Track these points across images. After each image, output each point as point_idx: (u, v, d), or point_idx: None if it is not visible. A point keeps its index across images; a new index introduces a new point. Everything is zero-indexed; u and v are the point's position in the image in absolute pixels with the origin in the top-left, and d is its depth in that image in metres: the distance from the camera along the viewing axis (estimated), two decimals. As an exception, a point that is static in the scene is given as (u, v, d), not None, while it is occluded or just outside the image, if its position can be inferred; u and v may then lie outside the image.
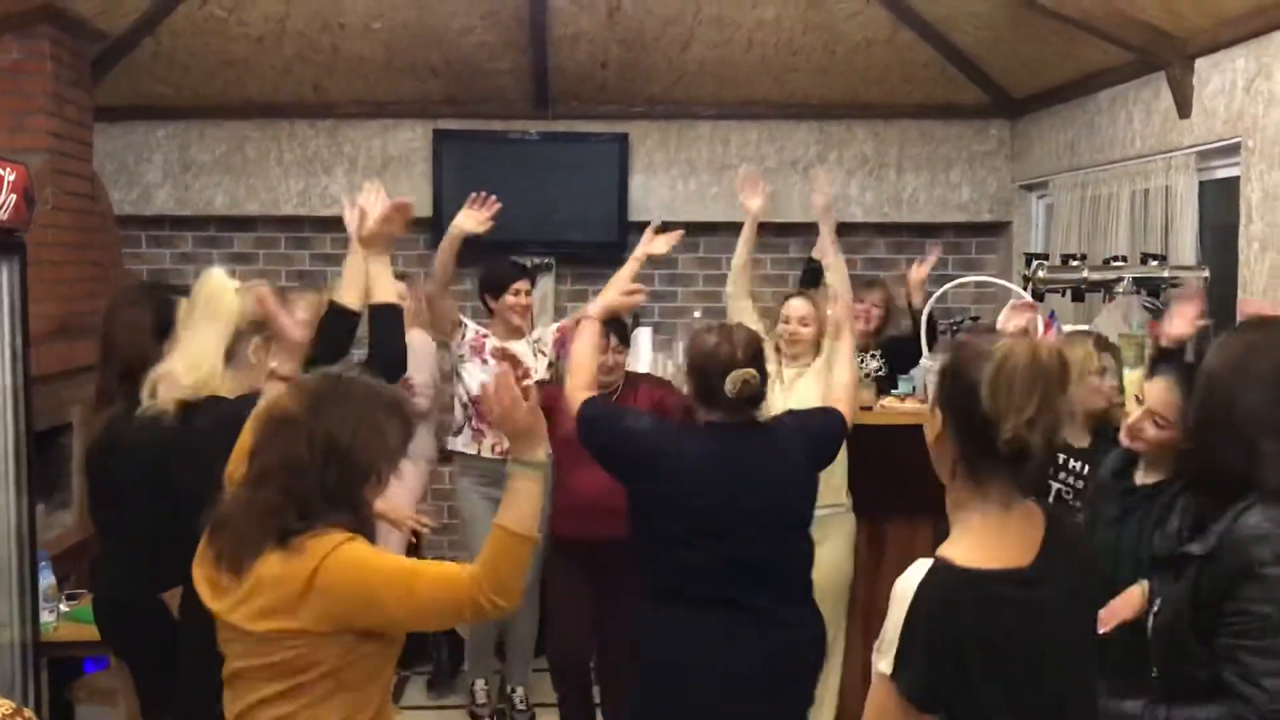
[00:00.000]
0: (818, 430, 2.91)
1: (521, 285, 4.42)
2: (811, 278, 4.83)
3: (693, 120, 5.89)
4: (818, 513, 2.90)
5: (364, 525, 2.03)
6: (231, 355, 2.62)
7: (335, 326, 2.75)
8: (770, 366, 3.44)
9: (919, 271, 4.76)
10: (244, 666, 1.98)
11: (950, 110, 5.86)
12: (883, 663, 1.62)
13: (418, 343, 4.40)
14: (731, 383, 2.64)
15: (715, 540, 2.66)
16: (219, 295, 2.61)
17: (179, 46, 5.29)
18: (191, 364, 2.58)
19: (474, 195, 4.13)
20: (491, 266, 4.59)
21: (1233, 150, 3.96)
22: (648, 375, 4.35)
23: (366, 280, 2.83)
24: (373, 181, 2.99)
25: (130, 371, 2.97)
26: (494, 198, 4.11)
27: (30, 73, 4.66)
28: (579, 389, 2.90)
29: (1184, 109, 4.20)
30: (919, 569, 1.62)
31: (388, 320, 2.80)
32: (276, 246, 6.13)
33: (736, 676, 2.65)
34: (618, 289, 3.11)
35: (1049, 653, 1.64)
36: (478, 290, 4.60)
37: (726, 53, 5.40)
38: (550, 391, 3.91)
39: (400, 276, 4.84)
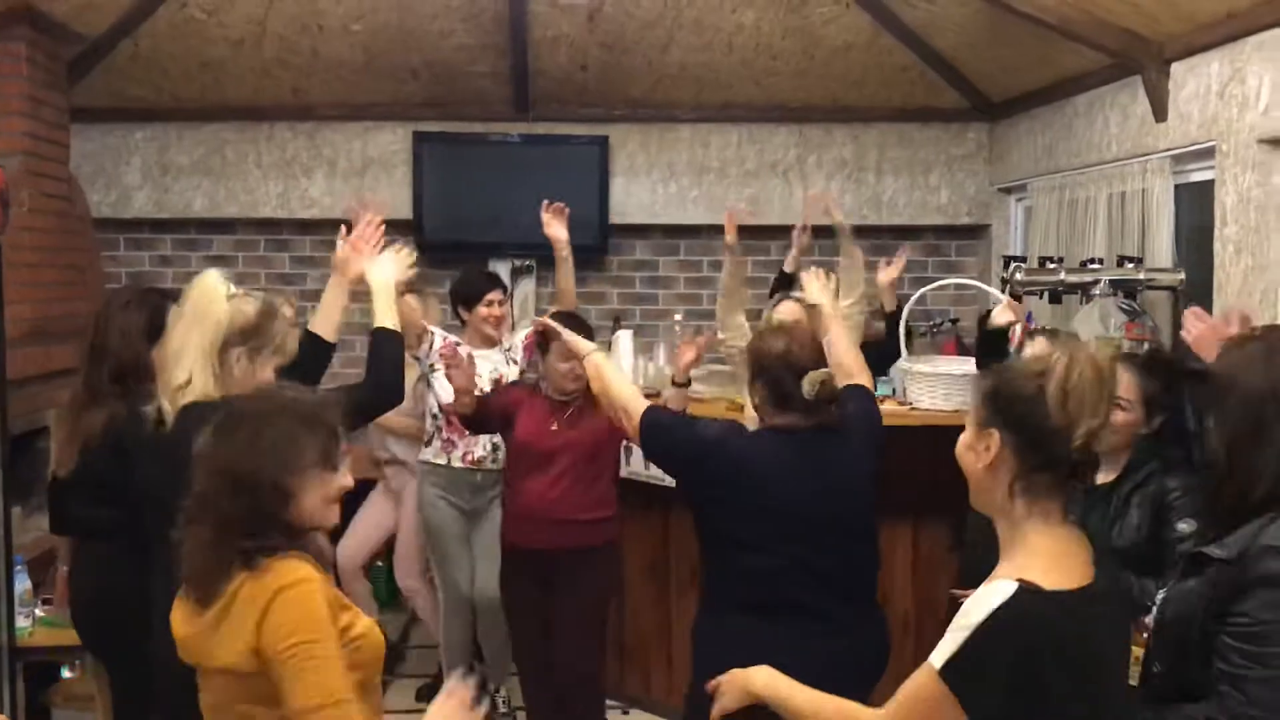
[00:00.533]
0: (875, 426, 2.90)
1: (494, 296, 4.39)
2: (781, 287, 4.89)
3: (673, 123, 5.91)
4: None
5: (304, 548, 1.95)
6: (219, 363, 2.59)
7: (314, 355, 2.79)
8: None
9: (888, 274, 4.74)
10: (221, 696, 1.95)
11: (929, 113, 5.89)
12: (938, 658, 1.66)
13: None
14: (810, 384, 2.60)
15: (789, 545, 2.62)
16: (206, 300, 2.57)
17: (158, 49, 5.27)
18: (174, 367, 2.57)
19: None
20: (464, 277, 4.57)
21: (1208, 154, 3.99)
22: None
23: (339, 312, 2.96)
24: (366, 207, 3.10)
25: (122, 373, 3.00)
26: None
27: (6, 75, 4.64)
28: (633, 399, 2.83)
29: (1160, 113, 4.23)
30: (998, 592, 1.65)
31: (391, 343, 2.85)
32: (256, 249, 6.11)
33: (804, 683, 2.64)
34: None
35: (1117, 665, 1.73)
36: (450, 301, 4.58)
37: (706, 56, 5.41)
38: (515, 394, 3.91)
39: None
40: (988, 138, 5.97)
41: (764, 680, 1.98)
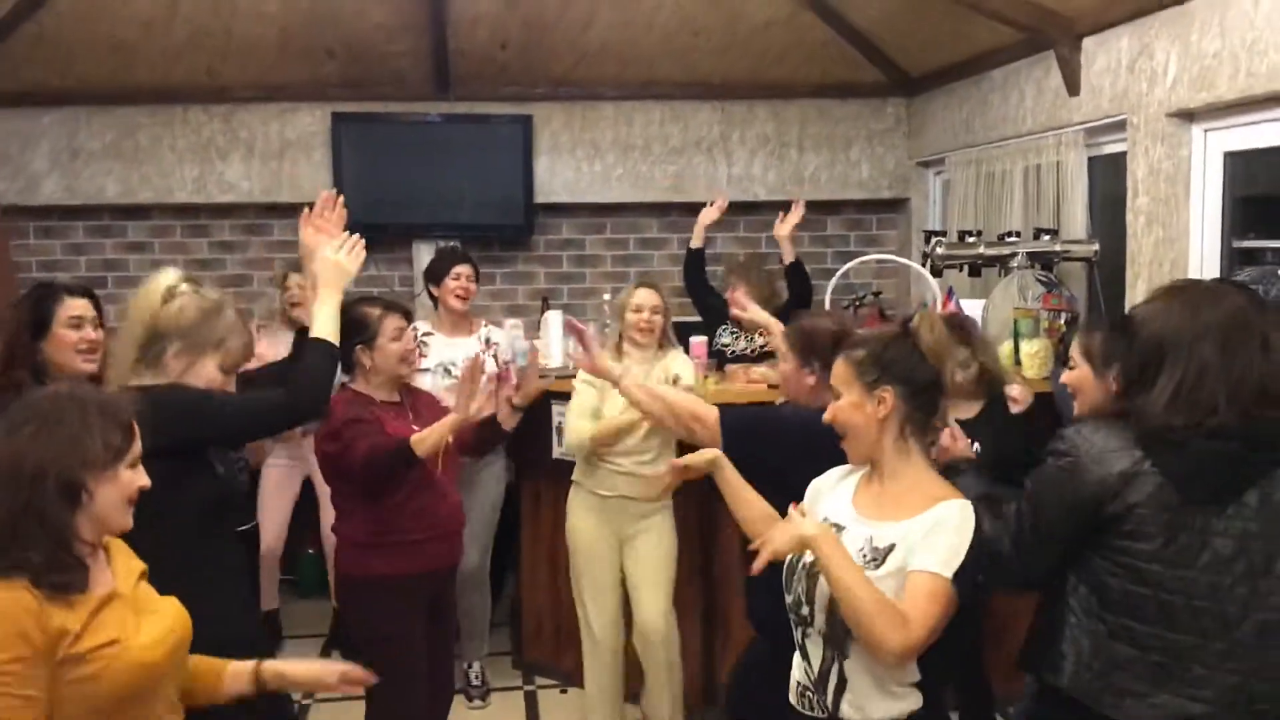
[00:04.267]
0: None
1: (461, 269, 4.49)
2: (694, 270, 4.97)
3: (596, 101, 5.89)
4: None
5: (65, 554, 1.79)
6: (147, 354, 2.56)
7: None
8: (614, 362, 3.57)
9: (785, 225, 4.93)
10: None
11: (849, 89, 5.95)
12: (945, 568, 2.01)
13: None
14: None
15: None
16: (141, 298, 2.58)
17: (63, 30, 5.10)
18: (118, 365, 2.55)
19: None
20: (436, 256, 4.66)
21: (1119, 127, 4.10)
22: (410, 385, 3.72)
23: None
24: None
25: (8, 365, 2.96)
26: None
27: (-97, 59, 4.48)
28: (698, 404, 2.86)
29: (1072, 87, 4.33)
30: (964, 509, 2.08)
31: (321, 355, 2.69)
32: (172, 235, 5.98)
33: None
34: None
35: None
36: (424, 282, 4.65)
37: (628, 33, 5.40)
38: (363, 414, 3.31)
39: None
40: (906, 112, 6.05)
41: (817, 529, 2.08)
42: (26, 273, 5.78)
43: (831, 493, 2.30)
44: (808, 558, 2.14)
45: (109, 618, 1.81)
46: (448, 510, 3.37)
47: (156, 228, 5.96)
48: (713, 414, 2.79)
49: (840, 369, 2.23)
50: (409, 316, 3.45)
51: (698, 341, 4.45)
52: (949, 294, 4.11)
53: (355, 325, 3.27)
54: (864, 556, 2.09)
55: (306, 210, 3.02)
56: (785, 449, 2.66)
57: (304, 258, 2.96)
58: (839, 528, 2.16)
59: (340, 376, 3.21)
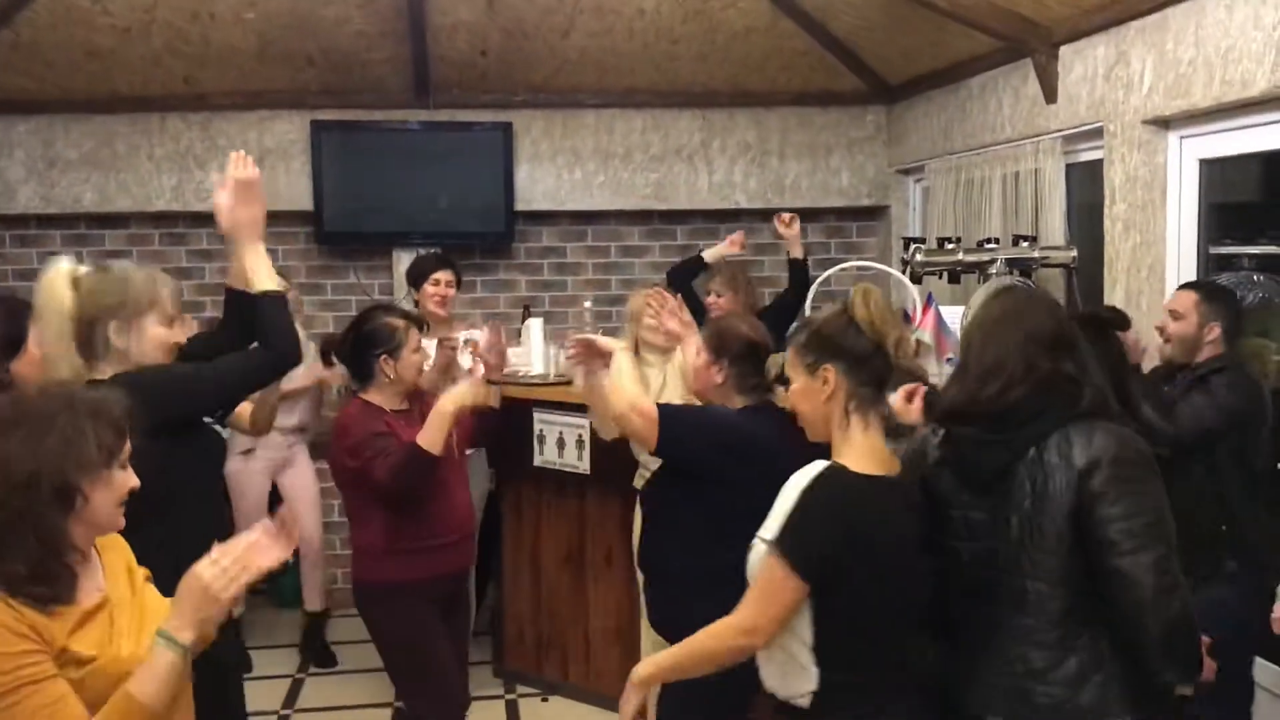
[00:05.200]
0: None
1: (441, 275, 4.56)
2: (686, 275, 4.97)
3: (577, 109, 5.89)
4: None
5: (54, 562, 1.75)
6: (88, 345, 2.50)
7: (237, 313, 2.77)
8: (648, 370, 3.77)
9: (792, 228, 5.00)
10: None
11: (829, 97, 5.97)
12: (768, 534, 2.04)
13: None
14: (774, 365, 2.74)
15: None
16: (46, 296, 2.49)
17: (39, 38, 5.07)
18: (52, 371, 2.49)
19: None
20: (415, 260, 4.68)
21: (1096, 134, 4.12)
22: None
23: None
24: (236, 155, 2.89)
25: None
26: None
27: (-123, 67, 4.44)
28: (637, 399, 2.83)
29: (1050, 95, 4.35)
30: (810, 470, 2.07)
31: (275, 308, 2.67)
32: (150, 244, 5.94)
33: None
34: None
35: (910, 547, 2.12)
36: (407, 286, 4.70)
37: (607, 41, 5.40)
38: (374, 422, 3.34)
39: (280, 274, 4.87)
40: (886, 120, 6.07)
41: (641, 672, 2.20)
42: (2, 280, 5.73)
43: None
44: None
45: (92, 631, 1.78)
46: (459, 513, 3.41)
47: (134, 236, 5.92)
48: (653, 409, 2.80)
49: (789, 356, 2.24)
50: (425, 328, 3.53)
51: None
52: (929, 300, 4.12)
53: (380, 336, 3.34)
54: None
55: (218, 175, 2.97)
56: (719, 447, 2.77)
57: (220, 221, 2.88)
58: None
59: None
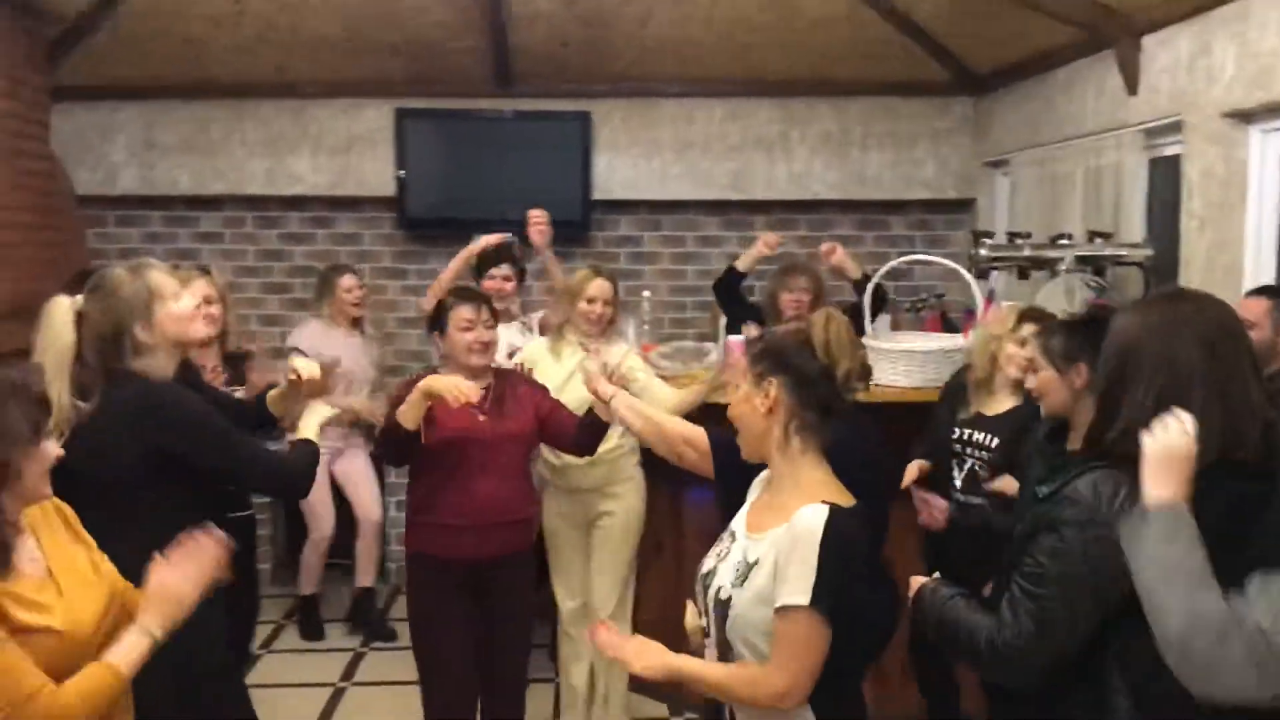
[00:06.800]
0: None
1: (497, 271, 4.60)
2: (729, 287, 4.88)
3: (656, 98, 5.88)
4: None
5: None
6: (116, 353, 2.53)
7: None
8: (566, 347, 3.90)
9: (838, 256, 4.74)
10: None
11: (914, 87, 5.84)
12: (803, 596, 1.93)
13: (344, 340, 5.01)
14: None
15: None
16: (47, 328, 2.53)
17: (138, 28, 5.28)
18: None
19: None
20: (479, 256, 4.74)
21: (1177, 128, 3.95)
22: (515, 373, 3.81)
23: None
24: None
25: None
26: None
27: (-16, 54, 4.68)
28: (684, 426, 2.80)
29: (1131, 86, 4.19)
30: (818, 516, 1.95)
31: (306, 454, 2.81)
32: (243, 226, 6.14)
33: None
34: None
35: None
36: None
37: (686, 30, 5.38)
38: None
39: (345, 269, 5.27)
40: (973, 111, 5.91)
41: (673, 664, 2.11)
42: (104, 260, 5.98)
43: (748, 501, 2.27)
44: (708, 565, 2.17)
45: (38, 598, 1.85)
46: (478, 502, 3.32)
47: (229, 219, 6.13)
48: (702, 436, 2.72)
49: (739, 361, 2.24)
50: (490, 308, 3.47)
51: (736, 340, 4.42)
52: (990, 296, 4.01)
53: (435, 313, 3.46)
54: (736, 572, 2.06)
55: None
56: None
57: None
58: (733, 536, 2.17)
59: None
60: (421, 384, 3.19)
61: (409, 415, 3.19)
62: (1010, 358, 3.28)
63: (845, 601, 1.95)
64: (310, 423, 2.83)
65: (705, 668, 2.09)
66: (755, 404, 2.11)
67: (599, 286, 3.95)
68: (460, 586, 3.36)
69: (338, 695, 4.49)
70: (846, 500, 2.04)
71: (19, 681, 1.74)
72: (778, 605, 1.95)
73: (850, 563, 1.96)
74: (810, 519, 1.95)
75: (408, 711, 3.66)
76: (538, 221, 4.69)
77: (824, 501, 1.98)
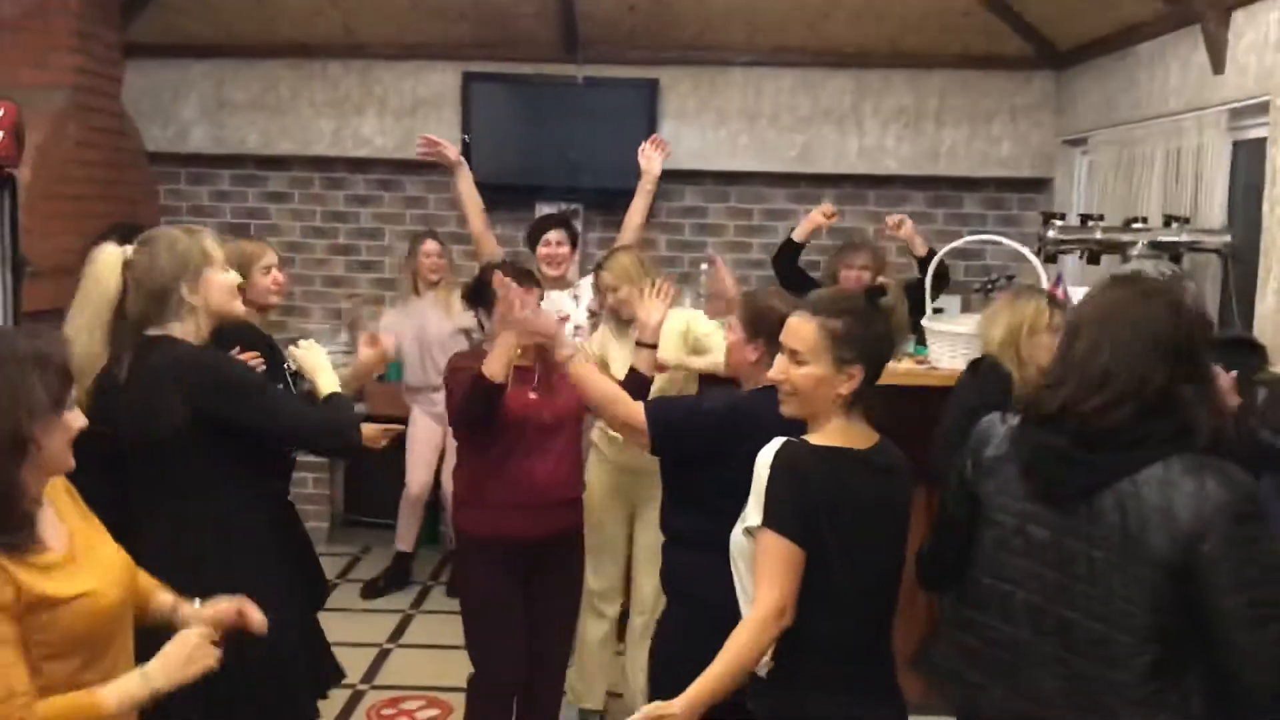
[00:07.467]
0: None
1: (551, 236, 4.53)
2: (789, 259, 4.75)
3: (724, 67, 5.78)
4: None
5: (13, 510, 1.76)
6: (160, 310, 2.51)
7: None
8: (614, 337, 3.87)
9: (906, 229, 4.60)
10: None
11: (992, 61, 5.65)
12: (755, 520, 2.07)
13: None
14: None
15: None
16: (92, 276, 2.53)
17: (210, -15, 5.33)
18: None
19: None
20: (534, 222, 4.72)
21: (1264, 109, 3.76)
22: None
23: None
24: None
25: None
26: None
27: (56, 10, 4.75)
28: (628, 405, 2.75)
29: (1218, 65, 4.00)
30: (768, 449, 2.11)
31: (345, 407, 2.75)
32: (310, 186, 6.18)
33: None
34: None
35: (877, 522, 2.15)
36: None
37: (756, -3, 5.27)
38: (468, 365, 3.29)
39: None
40: (1054, 87, 5.71)
41: (682, 704, 1.98)
42: (175, 215, 6.08)
43: None
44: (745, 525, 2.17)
45: (63, 573, 1.82)
46: (544, 479, 3.28)
47: (296, 179, 6.17)
48: (640, 418, 2.66)
49: (809, 334, 2.15)
50: (535, 283, 3.39)
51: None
52: (1057, 281, 3.87)
53: (481, 288, 3.39)
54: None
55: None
56: (714, 438, 2.59)
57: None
58: None
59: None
60: (504, 333, 3.10)
61: (496, 366, 3.10)
62: (1047, 347, 3.06)
63: (823, 528, 2.05)
64: (324, 380, 2.74)
65: (711, 666, 2.01)
66: (832, 384, 2.15)
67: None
68: (514, 567, 3.31)
69: (383, 655, 4.53)
70: (846, 444, 2.14)
71: (2, 680, 1.68)
72: (744, 529, 2.13)
73: (808, 489, 2.06)
74: (765, 452, 2.10)
75: (451, 675, 3.67)
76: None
77: (790, 439, 2.13)
